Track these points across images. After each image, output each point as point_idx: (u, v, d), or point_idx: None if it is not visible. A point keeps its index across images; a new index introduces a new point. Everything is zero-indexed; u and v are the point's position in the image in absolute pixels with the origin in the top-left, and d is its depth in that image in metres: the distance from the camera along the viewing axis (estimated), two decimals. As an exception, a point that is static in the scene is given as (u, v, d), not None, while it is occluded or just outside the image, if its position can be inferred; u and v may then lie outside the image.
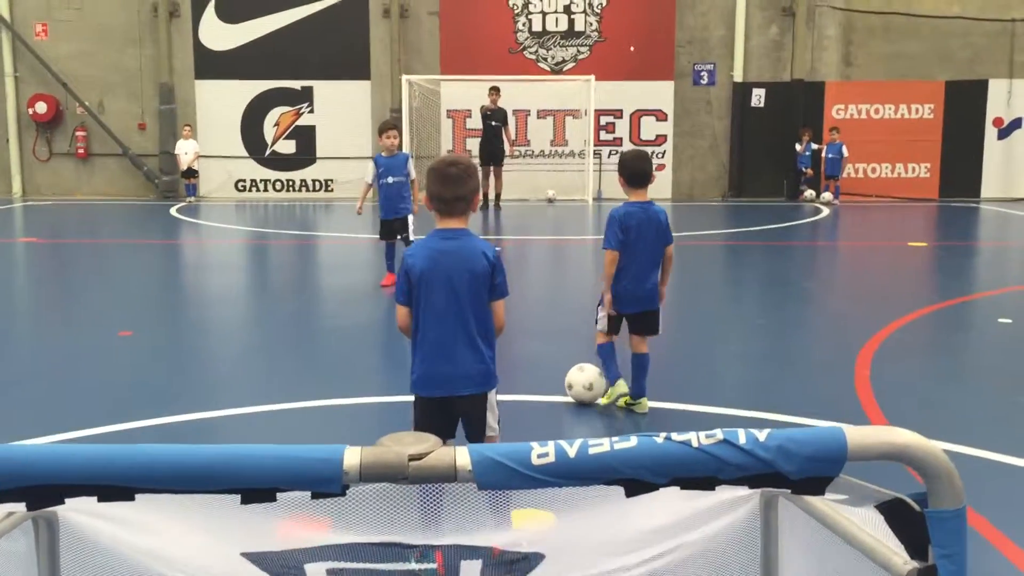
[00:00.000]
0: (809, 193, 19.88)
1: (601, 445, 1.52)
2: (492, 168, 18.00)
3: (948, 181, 20.35)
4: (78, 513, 1.85)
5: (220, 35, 20.53)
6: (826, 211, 18.13)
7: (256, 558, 1.79)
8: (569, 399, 5.80)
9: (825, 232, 15.86)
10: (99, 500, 1.49)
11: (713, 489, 1.58)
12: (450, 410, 3.76)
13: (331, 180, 20.91)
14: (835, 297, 10.10)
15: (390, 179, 9.63)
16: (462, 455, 1.50)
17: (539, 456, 1.50)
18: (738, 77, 20.23)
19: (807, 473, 1.53)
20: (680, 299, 10.01)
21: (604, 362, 5.76)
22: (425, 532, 1.66)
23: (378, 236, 9.97)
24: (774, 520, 2.11)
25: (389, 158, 9.64)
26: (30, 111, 20.34)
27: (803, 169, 19.94)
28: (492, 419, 3.81)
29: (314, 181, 21.04)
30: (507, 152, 18.21)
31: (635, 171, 5.46)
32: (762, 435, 1.51)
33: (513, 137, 18.98)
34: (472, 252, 3.67)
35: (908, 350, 7.35)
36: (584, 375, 5.75)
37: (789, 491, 1.59)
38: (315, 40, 20.40)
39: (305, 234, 15.49)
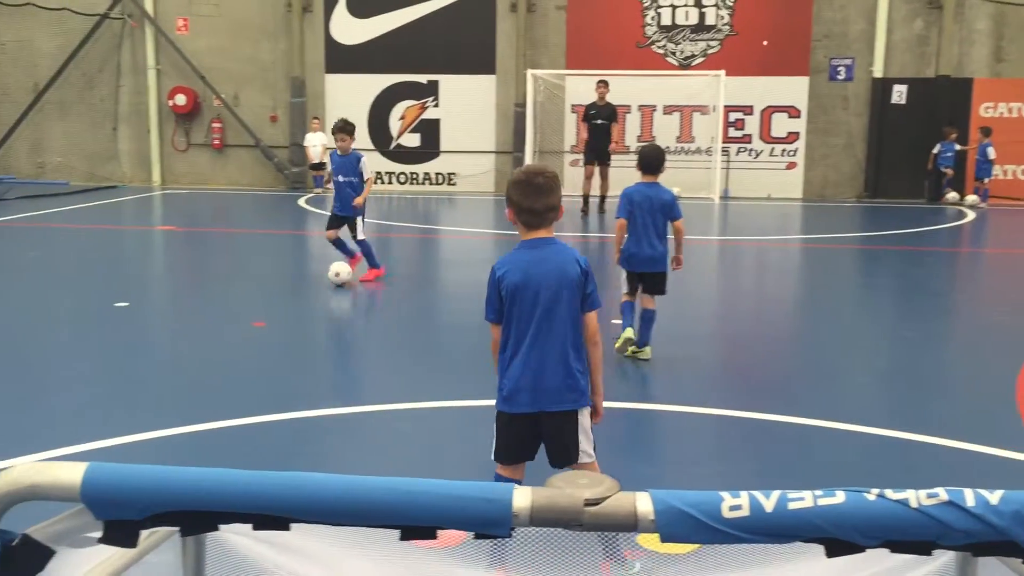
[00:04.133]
0: (952, 195, 18.88)
1: (803, 500, 1.35)
2: (598, 168, 16.40)
3: (1106, 185, 18.99)
4: (227, 530, 1.80)
5: (350, 29, 20.93)
6: (972, 215, 17.16)
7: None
8: None
9: (972, 237, 15.00)
10: (254, 528, 1.42)
11: (930, 554, 1.40)
12: (536, 429, 3.54)
13: (454, 174, 21.06)
14: (987, 309, 9.47)
15: (340, 178, 9.78)
16: (643, 502, 1.36)
17: (731, 508, 1.35)
18: (878, 73, 19.36)
19: (1049, 544, 1.32)
20: (815, 306, 9.60)
21: (623, 313, 6.81)
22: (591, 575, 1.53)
23: (328, 227, 9.98)
24: (972, 577, 1.88)
25: (342, 157, 9.76)
26: (170, 103, 21.22)
27: (943, 169, 18.95)
28: (586, 443, 3.54)
29: (437, 174, 21.23)
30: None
31: (646, 160, 6.71)
32: (994, 497, 1.32)
33: (615, 141, 17.24)
34: (564, 261, 3.51)
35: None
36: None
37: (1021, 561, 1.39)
38: (442, 34, 20.56)
39: (428, 227, 15.62)
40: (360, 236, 9.78)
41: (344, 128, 9.69)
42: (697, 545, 1.90)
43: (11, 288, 9.96)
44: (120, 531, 1.36)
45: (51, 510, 1.32)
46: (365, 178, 9.76)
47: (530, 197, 3.48)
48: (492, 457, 3.63)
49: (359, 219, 9.77)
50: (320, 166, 20.16)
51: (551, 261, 3.49)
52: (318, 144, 20.06)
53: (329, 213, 10.05)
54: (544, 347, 3.47)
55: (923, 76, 19.35)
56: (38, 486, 1.32)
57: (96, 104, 21.67)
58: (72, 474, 1.32)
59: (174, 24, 21.21)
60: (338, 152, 9.84)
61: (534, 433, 3.55)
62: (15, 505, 1.32)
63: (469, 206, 18.79)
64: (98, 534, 1.36)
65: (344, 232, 9.84)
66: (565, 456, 3.54)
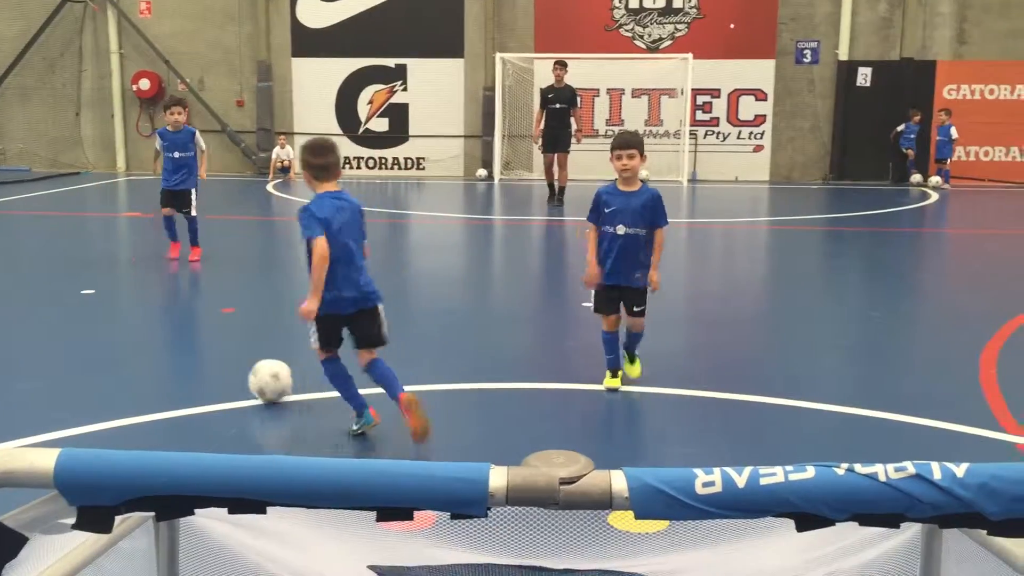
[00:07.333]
0: (916, 177, 19.11)
1: (774, 475, 1.38)
2: (556, 156, 15.29)
3: (1066, 166, 19.32)
4: (200, 515, 1.79)
5: (317, 13, 20.72)
6: (935, 196, 17.39)
7: (384, 571, 1.70)
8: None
9: (935, 218, 15.21)
10: (229, 512, 1.42)
11: (898, 527, 1.43)
12: (343, 323, 4.82)
13: (423, 158, 20.97)
14: (951, 289, 9.62)
15: (176, 154, 9.81)
16: (618, 480, 1.37)
17: (704, 485, 1.37)
18: (843, 55, 19.51)
19: (1012, 514, 1.36)
20: (782, 287, 9.69)
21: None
22: (569, 555, 1.54)
23: (161, 205, 10.01)
24: (937, 550, 1.93)
25: (175, 133, 9.79)
26: (134, 87, 20.90)
27: (905, 150, 19.18)
28: (385, 328, 4.95)
29: (406, 159, 21.13)
30: (574, 139, 15.53)
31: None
32: (960, 470, 1.35)
33: (578, 127, 15.74)
34: (355, 206, 4.84)
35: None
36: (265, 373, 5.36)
37: (984, 531, 1.43)
38: (410, 18, 20.41)
39: (398, 212, 15.55)
40: (193, 212, 9.92)
41: (181, 102, 9.90)
42: (666, 524, 1.93)
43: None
44: (94, 517, 1.35)
45: (19, 497, 1.31)
46: (201, 150, 9.97)
47: (322, 155, 4.68)
48: (317, 346, 4.84)
49: (194, 194, 9.92)
50: (285, 171, 19.51)
51: (349, 206, 4.77)
52: (286, 159, 19.38)
53: (166, 189, 9.89)
54: (352, 266, 4.74)
55: (888, 59, 19.53)
56: (11, 473, 1.30)
57: (58, 89, 21.31)
58: (45, 460, 1.31)
59: (137, 7, 20.87)
60: (169, 128, 9.80)
61: (342, 325, 4.83)
62: (-13, 492, 1.31)
63: (438, 190, 18.73)
64: (72, 520, 1.35)
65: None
66: (375, 341, 4.83)
